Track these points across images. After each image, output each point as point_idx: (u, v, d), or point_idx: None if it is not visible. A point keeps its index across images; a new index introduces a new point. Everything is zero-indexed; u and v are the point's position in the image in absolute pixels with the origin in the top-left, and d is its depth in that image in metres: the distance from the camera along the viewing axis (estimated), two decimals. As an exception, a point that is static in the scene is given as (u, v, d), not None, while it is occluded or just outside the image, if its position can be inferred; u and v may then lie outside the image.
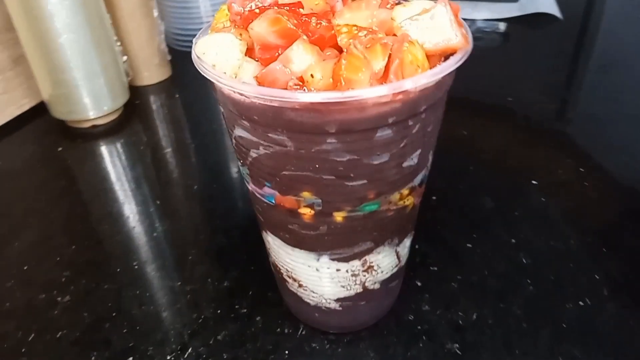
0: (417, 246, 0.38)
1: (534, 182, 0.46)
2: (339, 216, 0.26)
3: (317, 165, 0.24)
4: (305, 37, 0.22)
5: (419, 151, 0.25)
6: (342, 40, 0.22)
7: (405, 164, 0.25)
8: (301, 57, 0.21)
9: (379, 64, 0.22)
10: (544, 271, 0.37)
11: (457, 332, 0.33)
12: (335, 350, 0.33)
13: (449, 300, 0.35)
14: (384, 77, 0.22)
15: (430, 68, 0.22)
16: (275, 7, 0.23)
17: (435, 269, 0.38)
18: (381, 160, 0.24)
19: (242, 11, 0.24)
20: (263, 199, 0.27)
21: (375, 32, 0.23)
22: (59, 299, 0.37)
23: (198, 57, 0.24)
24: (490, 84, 0.64)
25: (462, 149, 0.52)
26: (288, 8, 0.23)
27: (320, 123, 0.22)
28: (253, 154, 0.25)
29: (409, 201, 0.28)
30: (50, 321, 0.36)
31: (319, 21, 0.23)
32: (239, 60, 0.23)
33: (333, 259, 0.29)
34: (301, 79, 0.21)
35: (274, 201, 0.27)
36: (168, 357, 0.33)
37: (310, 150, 0.23)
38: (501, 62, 0.71)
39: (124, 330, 0.35)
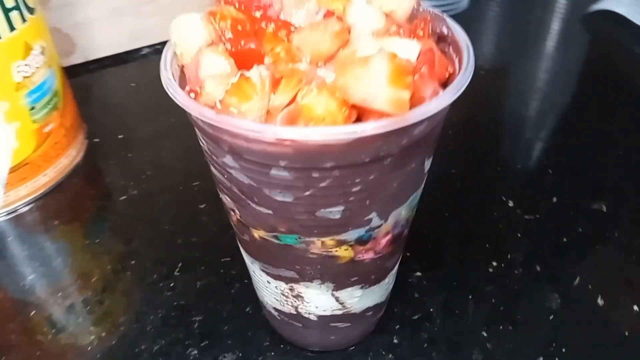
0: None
1: None
2: (256, 233, 0.25)
3: (225, 176, 0.23)
4: (228, 45, 0.20)
5: (340, 207, 0.22)
6: (266, 61, 0.20)
7: (318, 214, 0.22)
8: (208, 64, 0.20)
9: (279, 99, 0.19)
10: None
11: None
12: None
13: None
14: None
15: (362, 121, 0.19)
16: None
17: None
18: (284, 199, 0.22)
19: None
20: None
21: (300, 60, 0.19)
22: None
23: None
24: None
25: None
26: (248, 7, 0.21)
27: (215, 137, 0.21)
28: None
29: (342, 253, 0.24)
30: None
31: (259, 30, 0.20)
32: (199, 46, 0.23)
33: (262, 270, 0.28)
34: (195, 89, 0.20)
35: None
36: (155, 277, 0.37)
37: (217, 159, 0.22)
38: None
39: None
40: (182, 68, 0.23)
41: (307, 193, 0.21)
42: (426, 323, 0.34)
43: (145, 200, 0.44)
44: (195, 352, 0.33)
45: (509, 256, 0.38)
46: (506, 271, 0.37)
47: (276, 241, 0.24)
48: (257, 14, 0.21)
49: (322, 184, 0.21)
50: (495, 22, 0.74)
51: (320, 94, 0.18)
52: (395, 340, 0.33)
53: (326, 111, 0.18)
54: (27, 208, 0.44)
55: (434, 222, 0.40)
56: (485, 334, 0.33)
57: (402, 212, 0.24)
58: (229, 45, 0.20)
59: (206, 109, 0.19)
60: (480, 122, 0.53)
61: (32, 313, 0.36)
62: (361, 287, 0.28)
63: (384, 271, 0.28)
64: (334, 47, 0.20)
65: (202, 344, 0.33)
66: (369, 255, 0.26)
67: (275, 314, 0.31)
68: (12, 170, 0.42)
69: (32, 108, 0.42)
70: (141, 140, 0.51)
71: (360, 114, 0.19)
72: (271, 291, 0.29)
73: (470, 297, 0.35)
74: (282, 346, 0.33)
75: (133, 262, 0.39)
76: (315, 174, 0.20)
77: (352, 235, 0.24)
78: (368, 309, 0.30)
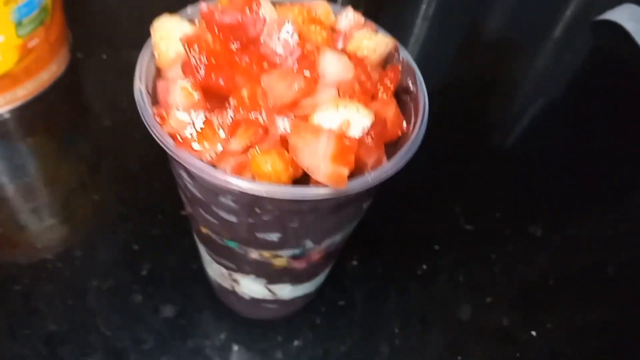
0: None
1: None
2: (203, 229, 0.27)
3: (180, 182, 0.25)
4: (200, 76, 0.21)
5: (277, 234, 0.24)
6: (231, 102, 0.21)
7: (258, 235, 0.24)
8: (178, 94, 0.21)
9: (234, 144, 0.21)
10: None
11: None
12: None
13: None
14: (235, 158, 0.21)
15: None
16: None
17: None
18: (229, 219, 0.24)
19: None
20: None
21: (261, 110, 0.21)
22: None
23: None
24: None
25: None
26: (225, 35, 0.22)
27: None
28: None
29: (277, 261, 0.27)
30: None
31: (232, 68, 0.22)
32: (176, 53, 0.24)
33: (206, 252, 0.30)
34: (162, 114, 0.21)
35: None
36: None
37: (175, 167, 0.24)
38: None
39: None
40: (157, 70, 0.25)
41: (249, 220, 0.23)
42: (349, 310, 0.38)
43: (118, 132, 0.46)
44: (140, 297, 0.36)
45: (438, 262, 0.41)
46: (432, 275, 0.41)
47: (219, 241, 0.27)
48: (234, 46, 0.22)
49: (263, 218, 0.23)
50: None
51: (268, 154, 0.20)
52: (317, 321, 0.37)
53: (273, 170, 0.20)
54: (3, 118, 0.45)
55: (380, 218, 0.43)
56: (397, 330, 0.37)
57: (337, 238, 0.27)
58: (200, 76, 0.21)
59: (168, 139, 0.21)
60: (449, 124, 0.54)
61: (-5, 228, 0.38)
62: (292, 284, 0.31)
63: (315, 274, 0.31)
64: (297, 98, 0.22)
65: (147, 291, 0.36)
66: (302, 265, 0.28)
67: (215, 283, 0.34)
68: (-9, 80, 0.43)
69: (19, 23, 0.41)
70: (124, 65, 0.51)
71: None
72: (213, 269, 0.32)
73: (394, 293, 0.39)
74: (218, 306, 0.36)
75: (96, 197, 0.41)
76: (257, 210, 0.22)
77: (287, 252, 0.26)
78: (297, 298, 0.33)
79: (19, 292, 0.36)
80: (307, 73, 0.22)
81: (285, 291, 0.31)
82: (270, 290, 0.31)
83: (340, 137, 0.19)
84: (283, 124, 0.21)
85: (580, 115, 0.58)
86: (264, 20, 0.24)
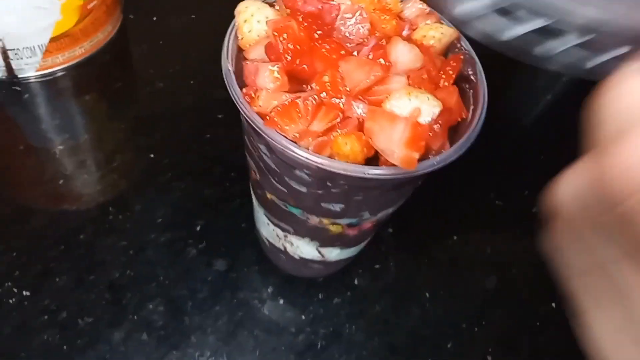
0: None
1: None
2: (269, 195, 0.30)
3: (256, 154, 0.27)
4: (285, 60, 0.24)
5: (341, 205, 0.27)
6: (312, 86, 0.24)
7: (323, 204, 0.27)
8: (266, 77, 0.23)
9: (316, 126, 0.23)
10: None
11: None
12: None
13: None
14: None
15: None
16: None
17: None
18: (299, 188, 0.26)
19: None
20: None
21: (341, 95, 0.23)
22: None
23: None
24: None
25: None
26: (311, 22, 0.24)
27: (257, 131, 0.25)
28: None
29: (333, 228, 0.30)
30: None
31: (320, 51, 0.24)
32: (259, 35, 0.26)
33: (265, 215, 0.33)
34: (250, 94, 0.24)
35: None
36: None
37: (253, 140, 0.27)
38: None
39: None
40: (239, 50, 0.27)
41: (319, 191, 0.26)
42: (384, 274, 0.41)
43: (169, 96, 0.48)
44: (194, 251, 0.39)
45: (468, 234, 0.44)
46: (462, 246, 0.43)
47: (283, 207, 0.30)
48: (316, 34, 0.24)
49: (332, 190, 0.26)
50: None
51: (348, 137, 0.22)
52: (355, 282, 0.40)
53: (351, 150, 0.23)
54: (60, 74, 0.47)
55: (416, 192, 0.45)
56: (427, 295, 0.40)
57: (390, 210, 0.30)
58: (286, 61, 0.24)
59: (257, 117, 0.23)
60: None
61: (60, 181, 0.41)
62: (341, 248, 0.34)
63: (362, 240, 0.34)
64: (372, 85, 0.24)
65: (201, 246, 0.40)
66: (354, 232, 0.31)
67: (267, 242, 0.37)
68: (52, 40, 0.45)
69: (80, -14, 0.43)
70: (174, 28, 0.53)
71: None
72: (268, 230, 0.35)
73: (425, 260, 0.42)
74: (265, 264, 0.40)
75: (152, 156, 0.44)
76: (328, 183, 0.25)
77: (344, 221, 0.29)
78: (341, 260, 0.36)
79: (83, 241, 0.39)
80: (382, 61, 0.24)
81: (334, 254, 0.34)
82: (320, 253, 0.34)
83: (415, 125, 0.22)
84: (360, 109, 0.23)
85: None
86: (339, 7, 0.26)
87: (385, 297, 0.40)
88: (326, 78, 0.23)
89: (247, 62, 0.25)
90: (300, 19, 0.24)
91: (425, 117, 0.23)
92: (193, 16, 0.54)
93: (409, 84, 0.24)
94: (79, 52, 0.47)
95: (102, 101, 0.47)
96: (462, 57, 0.27)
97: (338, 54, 0.24)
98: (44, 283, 0.37)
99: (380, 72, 0.23)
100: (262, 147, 0.26)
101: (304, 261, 0.36)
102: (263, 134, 0.23)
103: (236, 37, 0.26)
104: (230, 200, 0.42)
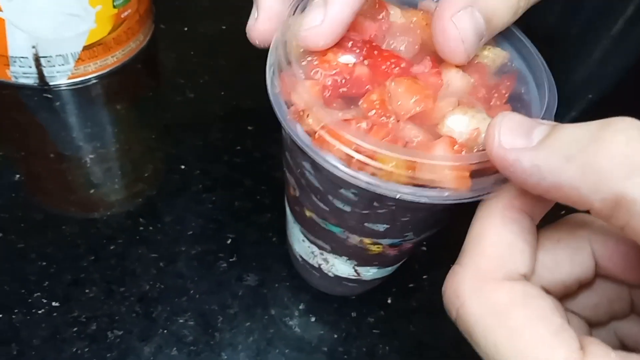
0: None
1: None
2: (308, 212, 0.29)
3: (298, 170, 0.27)
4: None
5: (385, 225, 0.26)
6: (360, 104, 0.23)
7: (366, 225, 0.26)
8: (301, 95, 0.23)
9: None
10: None
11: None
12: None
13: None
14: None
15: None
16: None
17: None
18: (343, 208, 0.26)
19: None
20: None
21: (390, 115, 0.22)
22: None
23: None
24: None
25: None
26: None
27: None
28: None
29: (374, 248, 0.29)
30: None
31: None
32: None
33: (301, 232, 0.32)
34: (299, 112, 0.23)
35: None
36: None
37: (295, 158, 0.26)
38: None
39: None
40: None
41: (364, 212, 0.25)
42: (418, 292, 0.40)
43: (199, 106, 0.48)
44: (225, 265, 0.39)
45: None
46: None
47: (323, 225, 0.29)
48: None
49: (379, 211, 0.25)
50: None
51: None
52: (389, 301, 0.39)
53: (398, 165, 0.22)
54: (91, 82, 0.47)
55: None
56: (462, 315, 0.39)
57: (434, 231, 0.29)
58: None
59: (305, 137, 0.22)
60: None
61: (90, 190, 0.41)
62: (378, 267, 0.33)
63: (401, 259, 0.33)
64: (421, 109, 0.23)
65: (231, 260, 0.39)
66: (394, 252, 0.30)
67: (299, 258, 0.36)
68: (86, 48, 0.45)
69: (116, -5, 0.43)
70: (205, 38, 0.53)
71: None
72: (303, 246, 0.34)
73: (460, 279, 0.41)
74: (296, 280, 0.39)
75: (183, 166, 0.43)
76: (375, 204, 0.24)
77: (387, 241, 0.28)
78: (377, 279, 0.35)
79: (114, 251, 0.39)
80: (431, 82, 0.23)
81: (370, 273, 0.33)
82: (356, 271, 0.33)
83: (463, 173, 0.21)
84: (409, 133, 0.23)
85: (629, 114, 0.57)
86: (389, 23, 0.25)
87: (419, 316, 0.39)
88: (374, 97, 0.23)
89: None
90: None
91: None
92: (224, 27, 0.54)
93: (461, 103, 0.23)
94: (111, 60, 0.47)
95: (133, 110, 0.47)
96: (515, 76, 0.26)
97: (387, 73, 0.24)
98: (73, 293, 0.36)
99: (430, 103, 0.23)
100: (307, 164, 0.25)
101: (338, 279, 0.35)
102: (312, 155, 0.22)
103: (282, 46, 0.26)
104: (260, 213, 0.42)
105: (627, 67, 0.63)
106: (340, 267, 0.33)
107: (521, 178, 0.18)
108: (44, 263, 0.37)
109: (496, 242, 0.20)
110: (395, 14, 0.25)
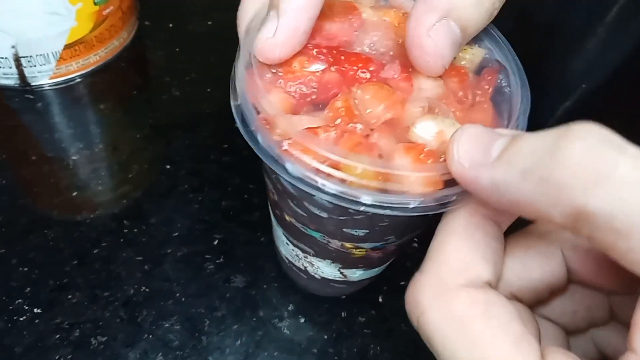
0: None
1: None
2: (287, 217, 0.28)
3: (274, 176, 0.26)
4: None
5: (365, 230, 0.25)
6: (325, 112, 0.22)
7: (345, 230, 0.25)
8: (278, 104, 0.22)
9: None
10: None
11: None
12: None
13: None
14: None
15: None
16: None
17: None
18: (320, 214, 0.25)
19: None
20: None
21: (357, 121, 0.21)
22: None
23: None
24: None
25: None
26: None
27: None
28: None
29: (356, 252, 0.28)
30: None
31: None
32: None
33: (284, 235, 0.32)
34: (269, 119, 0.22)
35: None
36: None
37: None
38: None
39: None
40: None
41: (341, 218, 0.24)
42: (410, 291, 0.39)
43: (186, 104, 0.47)
44: (212, 266, 0.38)
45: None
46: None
47: (303, 229, 0.28)
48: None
49: (355, 217, 0.24)
50: None
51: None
52: (380, 300, 0.38)
53: (363, 175, 0.20)
54: (74, 82, 0.46)
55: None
56: (456, 313, 0.38)
57: (418, 232, 0.28)
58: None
59: (273, 147, 0.21)
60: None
61: (73, 193, 0.40)
62: (364, 269, 0.32)
63: (387, 261, 0.32)
64: (390, 115, 0.22)
65: (219, 261, 0.38)
66: (378, 254, 0.29)
67: (286, 260, 0.35)
68: (67, 46, 0.44)
69: (96, -9, 0.42)
70: (191, 35, 0.52)
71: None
72: (287, 249, 0.33)
73: (454, 276, 0.40)
74: (285, 280, 0.38)
75: (169, 166, 0.43)
76: (351, 210, 0.23)
77: (368, 245, 0.27)
78: (365, 280, 0.34)
79: (99, 255, 0.38)
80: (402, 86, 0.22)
81: (357, 274, 0.33)
82: (342, 273, 0.32)
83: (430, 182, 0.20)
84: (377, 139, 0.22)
85: (623, 105, 0.56)
86: (362, 21, 0.24)
87: (411, 315, 0.38)
88: (339, 104, 0.21)
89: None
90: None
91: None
92: (210, 22, 0.53)
93: (431, 108, 0.22)
94: (94, 59, 0.46)
95: (117, 110, 0.46)
96: (497, 72, 0.25)
97: (353, 78, 0.22)
98: (56, 299, 0.36)
99: (396, 103, 0.21)
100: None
101: (325, 281, 0.34)
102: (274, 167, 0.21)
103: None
104: (249, 213, 0.41)
105: (622, 57, 0.61)
106: (326, 269, 0.32)
107: (482, 195, 0.17)
108: (26, 269, 0.37)
109: (458, 249, 0.19)
110: (367, 13, 0.24)
